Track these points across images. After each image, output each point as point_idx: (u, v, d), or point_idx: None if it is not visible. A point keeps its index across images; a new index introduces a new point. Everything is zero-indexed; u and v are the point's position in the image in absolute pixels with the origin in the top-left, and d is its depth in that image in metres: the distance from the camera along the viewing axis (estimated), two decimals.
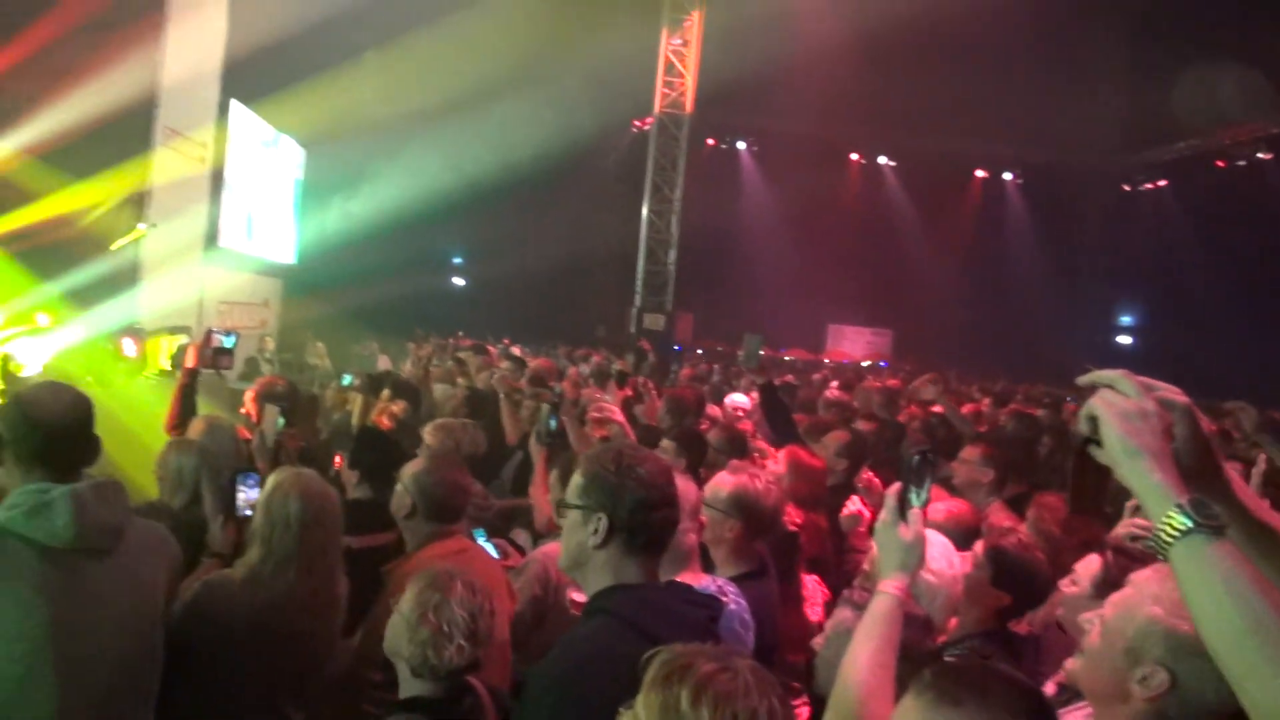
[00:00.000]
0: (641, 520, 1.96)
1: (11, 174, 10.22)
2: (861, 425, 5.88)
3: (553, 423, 4.21)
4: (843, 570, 4.02)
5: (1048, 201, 22.96)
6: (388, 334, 14.82)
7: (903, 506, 1.87)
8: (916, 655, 1.99)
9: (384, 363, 12.08)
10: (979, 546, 2.80)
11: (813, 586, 3.73)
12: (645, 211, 21.35)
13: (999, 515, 4.12)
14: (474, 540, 3.30)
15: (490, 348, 11.69)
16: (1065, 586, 2.60)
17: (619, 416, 3.71)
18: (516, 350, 12.26)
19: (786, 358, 20.36)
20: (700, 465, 4.17)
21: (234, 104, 13.66)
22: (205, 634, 2.56)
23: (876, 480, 4.66)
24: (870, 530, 4.16)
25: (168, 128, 10.94)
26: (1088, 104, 20.26)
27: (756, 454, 4.89)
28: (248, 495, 3.06)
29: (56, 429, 2.22)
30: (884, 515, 1.91)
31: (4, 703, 2.05)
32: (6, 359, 5.77)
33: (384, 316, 15.65)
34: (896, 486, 1.91)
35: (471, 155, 18.13)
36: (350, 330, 15.18)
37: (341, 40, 14.61)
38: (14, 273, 9.41)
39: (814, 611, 3.60)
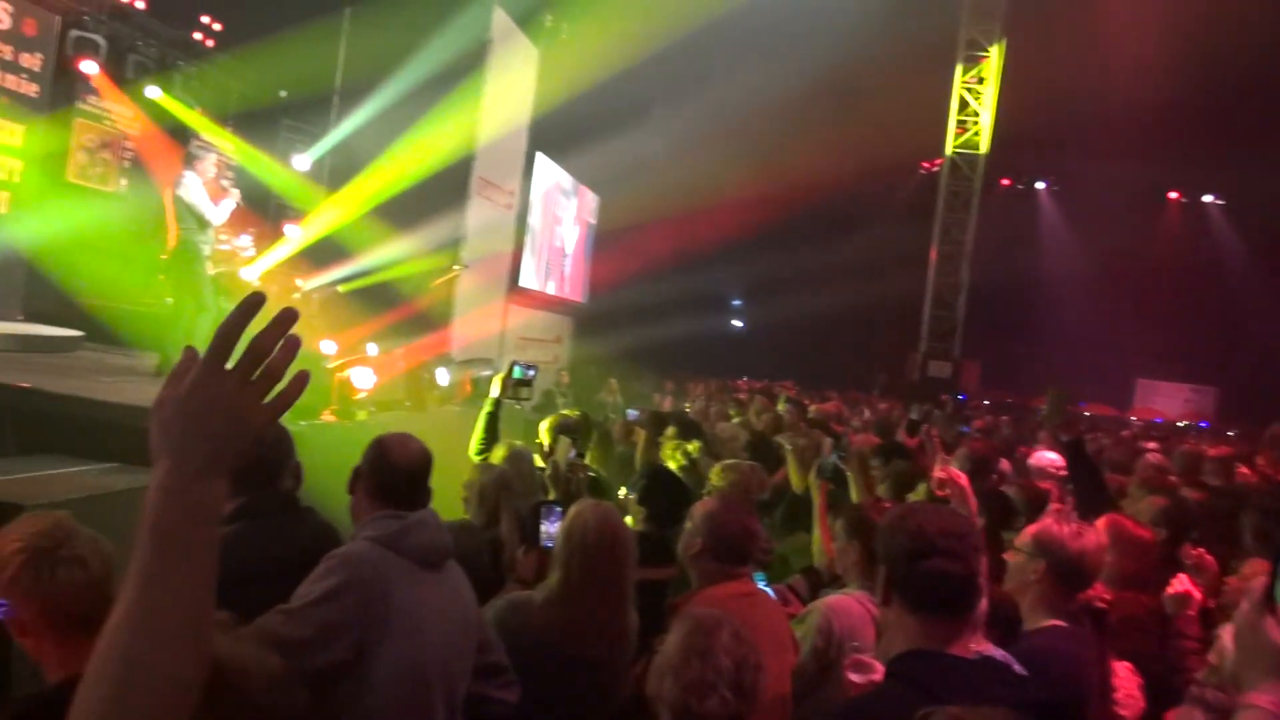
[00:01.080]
0: (912, 572, 1.84)
1: (352, 222, 11.65)
2: (1187, 492, 5.22)
3: (835, 459, 4.13)
4: (1164, 657, 3.55)
5: None
6: (668, 373, 15.23)
7: (1272, 598, 1.58)
8: None
9: (667, 402, 12.43)
10: None
11: (1124, 675, 3.31)
12: (934, 255, 20.59)
13: None
14: (758, 584, 3.25)
15: (775, 391, 11.70)
16: None
17: (963, 480, 3.47)
18: (792, 392, 12.18)
19: (1086, 413, 18.70)
20: (1003, 528, 3.85)
21: (539, 155, 14.78)
22: (505, 649, 2.69)
23: (1208, 557, 4.08)
24: (1200, 615, 3.67)
25: (481, 178, 12.00)
26: None
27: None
28: (550, 528, 3.23)
29: (405, 472, 2.57)
30: (1247, 607, 1.60)
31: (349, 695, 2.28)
32: (344, 383, 6.55)
33: (665, 355, 16.12)
34: (1262, 572, 1.61)
35: (754, 199, 18.38)
36: (633, 367, 15.80)
37: (633, 93, 15.38)
38: (350, 307, 10.66)
39: (1127, 709, 3.16)
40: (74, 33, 10.21)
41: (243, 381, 0.93)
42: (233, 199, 7.21)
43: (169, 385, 0.93)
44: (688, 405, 9.38)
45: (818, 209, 17.97)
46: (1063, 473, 5.47)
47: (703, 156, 17.67)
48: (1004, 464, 6.31)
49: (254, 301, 0.95)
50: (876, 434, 7.19)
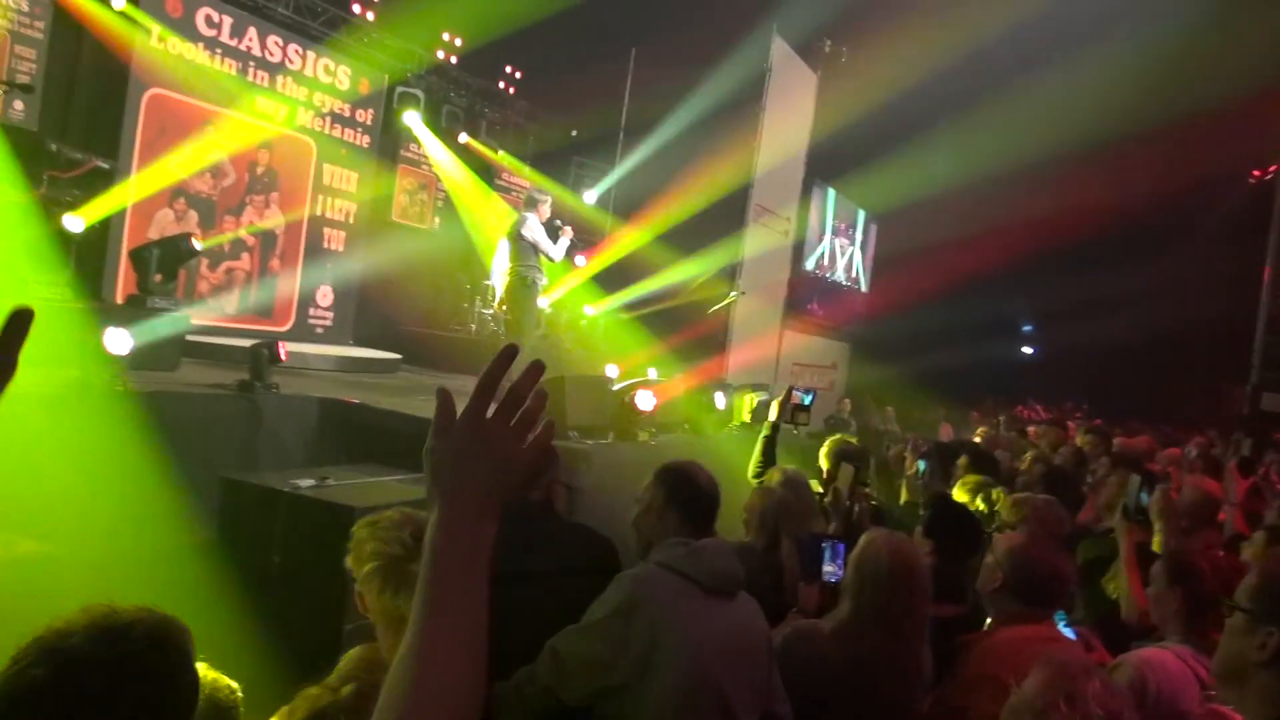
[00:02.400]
0: None
1: (635, 251, 12.15)
2: None
3: (1144, 497, 3.69)
4: None
5: None
6: (951, 400, 14.51)
7: None
8: None
9: (946, 431, 11.84)
10: None
11: None
12: (1266, 274, 18.12)
13: None
14: (1059, 626, 2.98)
15: (1070, 423, 10.79)
16: None
17: None
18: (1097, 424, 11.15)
19: None
20: None
21: (816, 182, 14.68)
22: (791, 679, 2.63)
23: None
24: None
25: (759, 205, 12.09)
26: None
27: None
28: (830, 565, 3.16)
29: (706, 499, 2.64)
30: None
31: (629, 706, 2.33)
32: (627, 406, 6.80)
33: (946, 382, 15.38)
34: None
35: (1048, 217, 17.08)
36: (912, 394, 15.20)
37: (916, 113, 14.87)
38: (634, 332, 11.09)
39: None
40: (399, 89, 11.48)
41: (503, 427, 0.99)
42: (567, 237, 7.79)
43: (436, 435, 1.00)
44: (976, 436, 8.84)
45: (1123, 226, 16.37)
46: None
47: (991, 175, 16.72)
48: None
49: (509, 353, 1.03)
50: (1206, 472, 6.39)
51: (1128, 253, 18.11)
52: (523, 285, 7.58)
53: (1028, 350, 22.92)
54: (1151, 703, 2.68)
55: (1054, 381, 18.45)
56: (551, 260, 7.75)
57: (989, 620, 2.95)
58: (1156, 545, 3.93)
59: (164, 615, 1.34)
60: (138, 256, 7.17)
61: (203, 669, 1.41)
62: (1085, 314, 18.43)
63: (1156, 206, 16.27)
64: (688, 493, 2.61)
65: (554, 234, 7.70)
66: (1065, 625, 3.31)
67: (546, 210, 7.81)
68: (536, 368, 1.00)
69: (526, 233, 7.51)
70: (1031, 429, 9.79)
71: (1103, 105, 14.98)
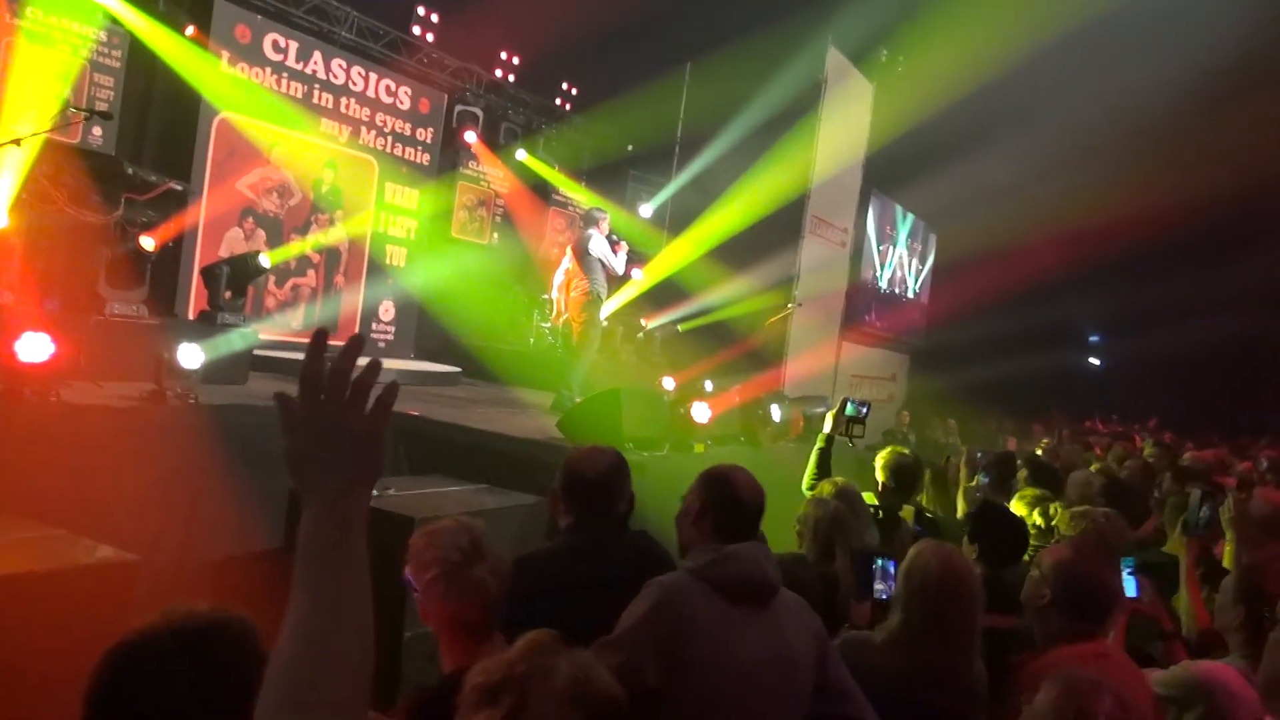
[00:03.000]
0: None
1: (691, 264, 12.18)
2: None
3: (1204, 512, 3.62)
4: None
5: None
6: (1016, 413, 14.25)
7: None
8: None
9: (1010, 445, 11.63)
10: None
11: None
12: None
13: None
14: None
15: (1136, 436, 10.53)
16: None
17: None
18: (1167, 437, 10.88)
19: None
20: None
21: (873, 191, 14.56)
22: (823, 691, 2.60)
23: None
24: None
25: (815, 216, 12.04)
26: None
27: None
28: (883, 580, 3.15)
29: (751, 507, 2.58)
30: None
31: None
32: (683, 418, 6.83)
33: (1009, 394, 15.10)
34: None
35: (1115, 223, 16.61)
36: (973, 407, 14.95)
37: (975, 120, 14.66)
38: (689, 345, 11.13)
39: None
40: (459, 107, 11.71)
41: (337, 404, 1.02)
42: (624, 251, 8.18)
43: (285, 434, 1.03)
44: (1039, 450, 8.68)
45: (1195, 230, 15.79)
46: None
47: (1054, 180, 16.39)
48: None
49: (321, 335, 1.05)
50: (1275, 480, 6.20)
51: (1201, 258, 17.56)
52: (595, 301, 7.87)
53: (1095, 361, 22.36)
54: (1220, 713, 2.63)
55: (1125, 394, 17.94)
56: (616, 274, 7.98)
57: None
58: (1227, 559, 3.85)
59: (239, 613, 1.44)
60: (209, 274, 7.42)
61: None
62: (1154, 323, 17.89)
63: (1235, 208, 15.68)
64: (725, 499, 2.57)
65: (612, 249, 7.89)
66: (1130, 573, 3.27)
67: (606, 226, 8.06)
68: (355, 341, 1.04)
69: (594, 249, 7.72)
70: (1095, 442, 9.58)
71: (1174, 100, 14.50)
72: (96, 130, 8.30)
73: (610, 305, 10.48)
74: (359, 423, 1.03)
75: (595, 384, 7.85)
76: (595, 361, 8.36)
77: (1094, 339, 22.41)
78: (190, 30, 8.71)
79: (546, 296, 10.71)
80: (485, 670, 1.34)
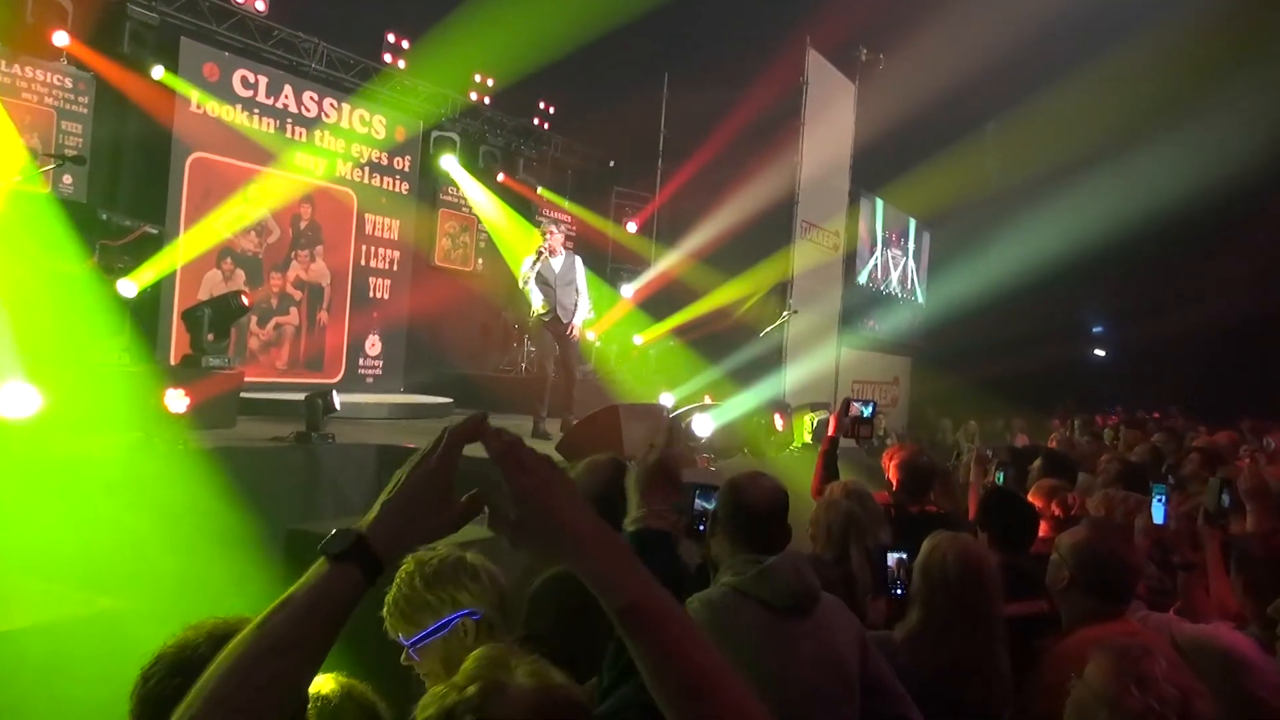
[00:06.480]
0: None
1: (682, 277, 12.00)
2: None
3: (1224, 499, 3.49)
4: None
5: None
6: (1026, 408, 14.08)
7: None
8: None
9: (1022, 440, 11.42)
10: None
11: None
12: None
13: None
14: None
15: (1148, 424, 10.32)
16: None
17: None
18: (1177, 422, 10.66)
19: None
20: None
21: (862, 193, 14.40)
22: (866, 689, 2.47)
23: None
24: None
25: (805, 221, 11.87)
26: None
27: None
28: (900, 571, 3.07)
29: (762, 512, 2.47)
30: None
31: None
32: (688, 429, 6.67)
33: (1019, 390, 14.90)
34: None
35: (1112, 211, 16.40)
36: (979, 406, 14.76)
37: (961, 115, 14.54)
38: (687, 359, 10.91)
39: None
40: (435, 133, 11.55)
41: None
42: (561, 255, 7.91)
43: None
44: (1051, 442, 8.49)
45: (1200, 211, 15.45)
46: None
47: (1047, 172, 16.24)
48: None
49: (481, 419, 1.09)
50: None
51: (1206, 240, 17.29)
52: (539, 322, 7.83)
53: (1099, 353, 22.10)
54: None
55: (1137, 383, 17.64)
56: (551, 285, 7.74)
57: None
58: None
59: None
60: (190, 317, 7.25)
61: (331, 679, 1.57)
62: (1163, 309, 17.57)
63: (1236, 187, 15.38)
64: (747, 506, 2.47)
65: (549, 253, 7.74)
66: (1159, 500, 3.38)
67: (552, 240, 7.81)
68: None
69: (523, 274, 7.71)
70: (1106, 430, 9.39)
71: (1167, 82, 14.34)
72: (67, 178, 8.15)
73: (603, 324, 10.28)
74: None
75: (592, 403, 7.66)
76: (592, 381, 8.17)
77: (1097, 329, 22.19)
78: (159, 71, 8.55)
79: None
80: (437, 697, 1.17)
